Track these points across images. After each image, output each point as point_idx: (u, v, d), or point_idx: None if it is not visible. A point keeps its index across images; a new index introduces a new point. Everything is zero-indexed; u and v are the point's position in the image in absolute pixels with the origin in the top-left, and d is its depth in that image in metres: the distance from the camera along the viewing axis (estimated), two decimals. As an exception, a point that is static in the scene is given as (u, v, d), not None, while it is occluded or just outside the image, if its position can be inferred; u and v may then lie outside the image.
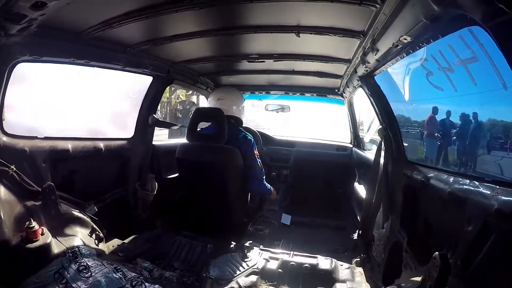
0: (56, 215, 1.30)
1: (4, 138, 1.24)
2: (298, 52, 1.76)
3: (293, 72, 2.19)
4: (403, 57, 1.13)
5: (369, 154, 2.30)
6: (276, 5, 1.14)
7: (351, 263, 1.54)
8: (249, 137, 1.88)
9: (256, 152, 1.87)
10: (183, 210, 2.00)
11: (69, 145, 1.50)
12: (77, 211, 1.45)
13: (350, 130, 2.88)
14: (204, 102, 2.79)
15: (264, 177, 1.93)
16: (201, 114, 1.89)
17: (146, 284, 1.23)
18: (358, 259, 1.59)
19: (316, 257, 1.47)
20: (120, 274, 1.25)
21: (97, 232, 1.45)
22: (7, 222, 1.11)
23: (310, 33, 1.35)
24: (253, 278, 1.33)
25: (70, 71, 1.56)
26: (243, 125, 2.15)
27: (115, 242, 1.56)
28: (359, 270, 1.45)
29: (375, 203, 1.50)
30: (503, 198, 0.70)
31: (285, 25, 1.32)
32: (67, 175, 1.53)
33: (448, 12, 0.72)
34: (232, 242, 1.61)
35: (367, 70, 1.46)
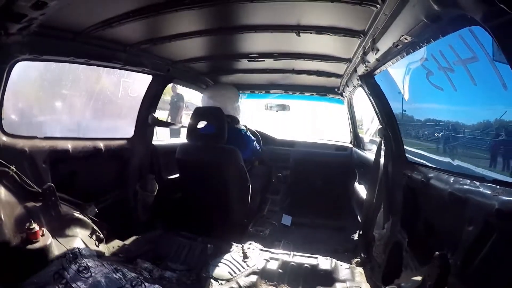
0: (57, 216, 1.30)
1: (4, 138, 1.23)
2: (298, 52, 1.76)
3: (293, 71, 2.19)
4: (404, 57, 1.13)
5: (369, 154, 2.29)
6: (277, 4, 1.14)
7: (351, 263, 1.54)
8: (248, 134, 1.98)
9: (254, 143, 2.03)
10: (184, 211, 2.00)
11: (68, 145, 1.50)
12: (78, 212, 1.44)
13: (350, 130, 2.87)
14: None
15: (258, 148, 2.19)
16: (201, 113, 1.89)
17: (146, 284, 1.23)
18: (358, 259, 1.59)
19: (316, 258, 1.47)
20: (120, 274, 1.25)
21: (98, 233, 1.45)
22: (8, 223, 1.10)
23: (311, 33, 1.34)
24: (253, 278, 1.33)
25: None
26: (244, 125, 2.17)
27: (116, 243, 1.56)
28: (359, 270, 1.44)
29: (375, 203, 1.50)
30: (504, 198, 0.70)
31: (285, 24, 1.31)
32: (67, 175, 1.52)
33: (448, 12, 0.72)
34: (232, 243, 1.61)
35: (367, 70, 1.46)
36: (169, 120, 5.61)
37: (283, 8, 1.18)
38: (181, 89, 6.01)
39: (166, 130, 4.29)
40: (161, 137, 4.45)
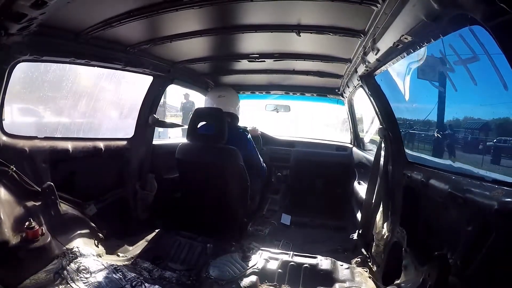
0: (56, 215, 1.30)
1: (4, 138, 1.24)
2: (298, 52, 1.76)
3: (294, 72, 2.19)
4: (404, 57, 1.13)
5: (369, 154, 2.29)
6: (277, 4, 1.14)
7: (351, 263, 1.54)
8: (246, 133, 2.01)
9: (254, 146, 2.05)
10: (183, 211, 2.00)
11: (69, 145, 1.50)
12: (77, 211, 1.45)
13: (350, 130, 2.88)
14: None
15: (262, 162, 2.15)
16: (201, 114, 1.89)
17: (146, 284, 1.23)
18: (358, 259, 1.59)
19: (316, 257, 1.47)
20: (119, 274, 1.25)
21: (97, 233, 1.45)
22: (7, 222, 1.10)
23: (311, 33, 1.34)
24: (253, 278, 1.33)
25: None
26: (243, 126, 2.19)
27: (115, 242, 1.56)
28: (359, 270, 1.45)
29: (375, 203, 1.50)
30: (503, 198, 0.70)
31: (286, 24, 1.32)
32: (67, 175, 1.52)
33: (448, 12, 0.72)
34: (232, 242, 1.61)
35: (367, 70, 1.46)
36: (182, 122, 5.85)
37: (283, 7, 1.18)
38: (192, 97, 6.99)
39: (178, 129, 4.47)
40: (173, 135, 4.82)
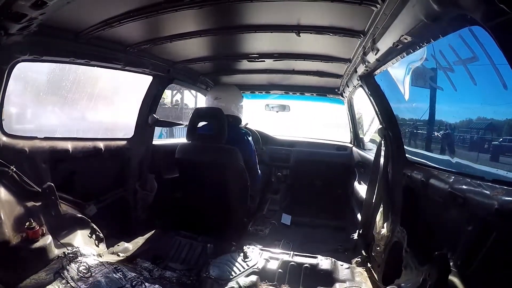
0: (56, 216, 1.31)
1: (4, 138, 1.24)
2: (298, 52, 1.76)
3: (293, 72, 2.20)
4: (404, 57, 1.13)
5: (369, 154, 2.30)
6: (277, 4, 1.14)
7: (351, 263, 1.54)
8: (249, 137, 1.98)
9: (254, 150, 2.02)
10: (183, 210, 2.00)
11: (69, 145, 1.50)
12: (77, 211, 1.45)
13: (350, 130, 2.88)
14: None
15: (258, 168, 2.10)
16: (201, 114, 1.89)
17: (146, 284, 1.23)
18: (358, 259, 1.59)
19: (316, 257, 1.47)
20: (120, 274, 1.25)
21: (97, 233, 1.46)
22: (7, 222, 1.11)
23: (311, 33, 1.35)
24: (253, 278, 1.33)
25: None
26: (243, 125, 2.18)
27: (115, 242, 1.56)
28: (359, 270, 1.45)
29: (375, 203, 1.50)
30: (503, 197, 0.70)
31: (285, 24, 1.32)
32: (67, 175, 1.53)
33: (448, 12, 0.72)
34: (232, 242, 1.61)
35: (367, 70, 1.46)
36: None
37: (283, 8, 1.18)
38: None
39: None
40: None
